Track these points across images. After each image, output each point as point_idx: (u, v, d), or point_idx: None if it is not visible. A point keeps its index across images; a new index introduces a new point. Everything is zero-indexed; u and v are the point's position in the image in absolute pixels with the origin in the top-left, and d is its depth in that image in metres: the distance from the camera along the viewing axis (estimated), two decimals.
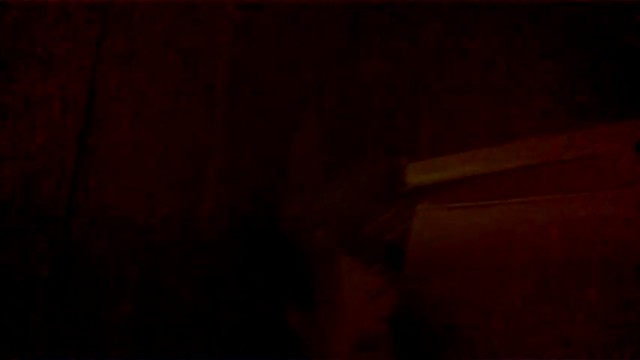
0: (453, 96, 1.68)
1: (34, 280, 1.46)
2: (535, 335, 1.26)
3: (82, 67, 1.58)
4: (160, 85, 1.61)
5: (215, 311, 1.52)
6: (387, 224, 1.49)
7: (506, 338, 1.30)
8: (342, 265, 1.43)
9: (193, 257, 1.53)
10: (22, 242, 1.47)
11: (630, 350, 1.21)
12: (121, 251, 1.51)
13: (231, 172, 1.60)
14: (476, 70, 1.71)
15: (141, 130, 1.58)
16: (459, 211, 1.41)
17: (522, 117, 1.66)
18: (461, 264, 1.39)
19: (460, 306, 1.37)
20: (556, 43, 1.77)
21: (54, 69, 1.57)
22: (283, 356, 1.48)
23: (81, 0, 1.62)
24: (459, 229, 1.41)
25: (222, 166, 1.60)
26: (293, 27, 1.71)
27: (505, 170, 1.39)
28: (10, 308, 1.44)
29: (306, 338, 1.49)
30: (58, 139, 1.54)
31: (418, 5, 1.75)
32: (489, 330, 1.31)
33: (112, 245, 1.51)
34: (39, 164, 1.51)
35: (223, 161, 1.60)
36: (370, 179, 1.51)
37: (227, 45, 1.68)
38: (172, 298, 1.50)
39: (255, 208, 1.58)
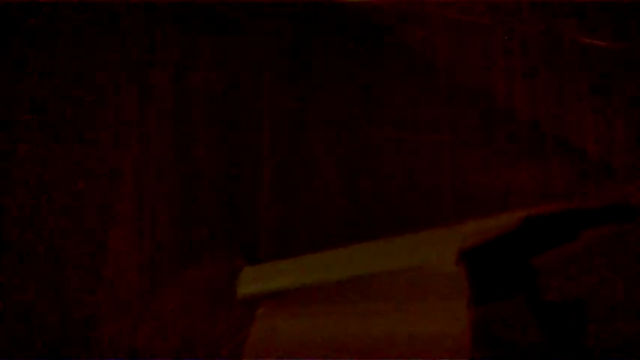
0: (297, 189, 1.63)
1: None
2: None
3: None
4: None
5: None
6: (226, 332, 1.46)
7: None
8: None
9: None
10: None
11: None
12: None
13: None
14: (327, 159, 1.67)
15: None
16: (294, 319, 1.39)
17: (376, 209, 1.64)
18: None
19: None
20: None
21: None
22: None
23: None
24: (293, 338, 1.39)
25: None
26: None
27: (337, 280, 1.37)
28: None
29: None
30: None
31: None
32: None
33: None
34: None
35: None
36: (204, 287, 1.47)
37: None
38: None
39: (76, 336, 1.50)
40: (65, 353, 1.49)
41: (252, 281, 1.43)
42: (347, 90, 1.74)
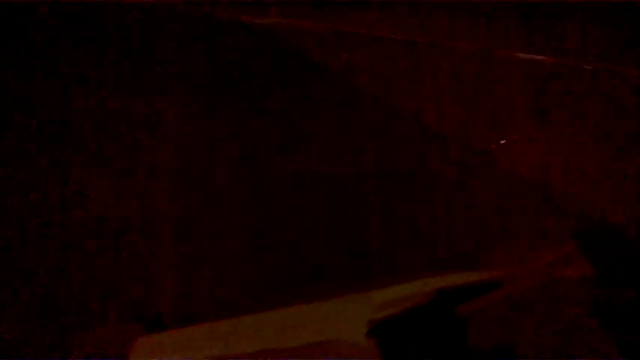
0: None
1: None
2: None
3: None
4: None
5: None
6: None
7: None
8: None
9: None
10: None
11: None
12: None
13: None
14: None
15: None
16: None
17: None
18: None
19: None
20: None
21: None
22: None
23: None
24: None
25: None
26: None
27: (242, 352, 1.25)
28: None
29: None
30: None
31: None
32: None
33: None
34: None
35: None
36: (95, 356, 1.35)
37: None
38: None
39: None
40: None
41: (147, 353, 1.30)
42: (262, 122, 1.60)
